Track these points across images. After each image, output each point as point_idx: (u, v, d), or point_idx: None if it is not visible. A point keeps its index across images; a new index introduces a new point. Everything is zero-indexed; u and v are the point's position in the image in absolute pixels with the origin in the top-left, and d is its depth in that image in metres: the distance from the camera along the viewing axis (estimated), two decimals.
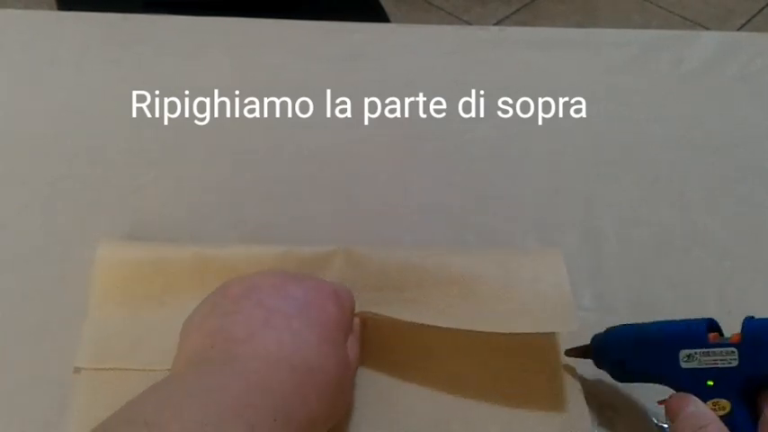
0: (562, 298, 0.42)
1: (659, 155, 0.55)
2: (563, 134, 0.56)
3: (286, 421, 0.31)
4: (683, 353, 0.35)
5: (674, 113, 0.58)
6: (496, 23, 1.86)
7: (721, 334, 0.35)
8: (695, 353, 0.34)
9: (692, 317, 0.37)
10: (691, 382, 0.34)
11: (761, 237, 0.49)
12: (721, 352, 0.34)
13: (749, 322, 0.34)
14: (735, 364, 0.33)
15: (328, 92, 0.58)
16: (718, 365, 0.34)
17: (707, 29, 1.86)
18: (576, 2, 1.97)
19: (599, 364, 0.39)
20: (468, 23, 1.86)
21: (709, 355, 0.34)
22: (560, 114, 0.58)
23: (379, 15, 0.93)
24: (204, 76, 0.59)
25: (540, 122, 0.57)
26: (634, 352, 0.37)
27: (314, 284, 0.38)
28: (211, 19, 0.64)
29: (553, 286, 0.43)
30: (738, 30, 1.88)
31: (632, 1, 1.98)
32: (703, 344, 0.34)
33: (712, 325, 0.35)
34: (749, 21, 1.92)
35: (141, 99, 0.57)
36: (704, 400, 0.33)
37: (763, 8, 1.96)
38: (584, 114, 0.58)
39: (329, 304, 0.37)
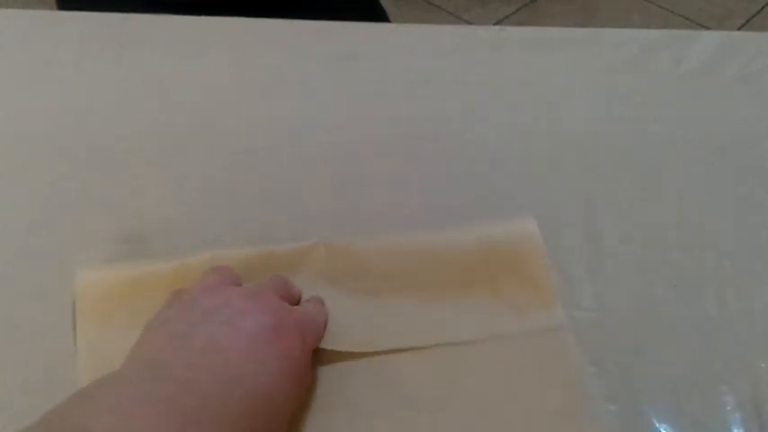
0: (543, 278, 0.44)
1: (659, 155, 0.55)
2: (563, 134, 0.56)
3: None
4: None
5: (674, 113, 0.58)
6: (496, 23, 1.86)
7: None
8: None
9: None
10: None
11: (761, 237, 0.49)
12: None
13: None
14: None
15: (328, 92, 0.58)
16: None
17: (707, 29, 1.86)
18: (576, 2, 1.97)
19: None
20: (469, 23, 1.86)
21: None
22: (561, 114, 0.58)
23: (379, 15, 0.93)
24: (204, 76, 0.59)
25: (539, 122, 0.57)
26: None
27: (282, 313, 0.37)
28: (211, 19, 0.64)
29: (533, 264, 0.45)
30: (738, 30, 1.88)
31: (632, 1, 1.98)
32: None
33: None
34: (749, 21, 1.93)
35: (141, 99, 0.57)
36: None
37: (762, 8, 1.96)
38: (584, 114, 0.58)
39: (294, 337, 0.36)
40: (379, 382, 0.40)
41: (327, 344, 0.40)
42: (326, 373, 0.40)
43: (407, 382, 0.40)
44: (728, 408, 0.40)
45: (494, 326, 0.42)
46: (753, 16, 1.94)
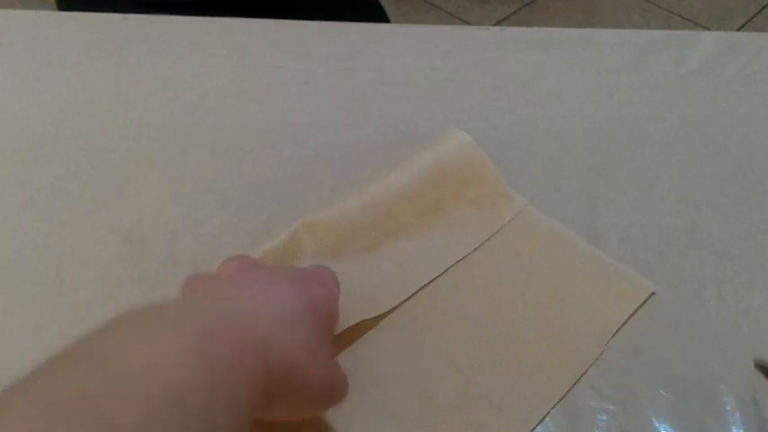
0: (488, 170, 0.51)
1: (659, 155, 0.55)
2: (563, 134, 0.56)
3: (263, 358, 0.30)
4: None
5: (674, 113, 0.58)
6: (496, 23, 1.86)
7: None
8: None
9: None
10: None
11: (761, 237, 0.49)
12: None
13: None
14: None
15: (328, 91, 0.58)
16: None
17: (707, 29, 1.86)
18: (575, 2, 1.97)
19: None
20: (468, 23, 1.86)
21: None
22: (560, 114, 0.58)
23: (379, 15, 0.93)
24: (204, 76, 0.59)
25: (539, 123, 0.57)
26: None
27: (307, 271, 0.39)
28: (211, 19, 0.64)
29: (480, 167, 0.50)
30: (738, 30, 1.88)
31: (632, 1, 1.98)
32: None
33: None
34: (749, 21, 1.93)
35: (141, 99, 0.57)
36: None
37: (763, 8, 1.97)
38: (584, 114, 0.58)
39: (319, 289, 0.37)
40: (427, 315, 0.43)
41: (371, 312, 0.41)
42: (383, 328, 0.42)
43: (451, 304, 0.43)
44: (728, 408, 0.40)
45: (485, 228, 0.47)
46: (753, 16, 1.94)
